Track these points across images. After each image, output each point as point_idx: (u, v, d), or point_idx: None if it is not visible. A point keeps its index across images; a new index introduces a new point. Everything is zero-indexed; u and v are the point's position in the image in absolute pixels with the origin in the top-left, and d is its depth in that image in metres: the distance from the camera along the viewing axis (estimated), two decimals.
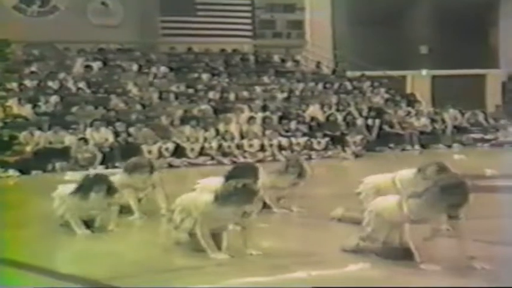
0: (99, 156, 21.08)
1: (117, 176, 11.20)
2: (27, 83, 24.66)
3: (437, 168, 8.91)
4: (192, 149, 22.49)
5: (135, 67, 27.45)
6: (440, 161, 9.33)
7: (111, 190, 9.55)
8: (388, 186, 9.13)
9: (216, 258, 7.47)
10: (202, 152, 22.59)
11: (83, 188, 9.48)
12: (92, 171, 19.19)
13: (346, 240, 7.69)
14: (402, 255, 7.01)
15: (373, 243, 7.30)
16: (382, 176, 9.67)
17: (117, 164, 20.48)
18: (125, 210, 10.64)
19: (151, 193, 11.12)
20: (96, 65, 26.89)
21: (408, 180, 9.05)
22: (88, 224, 9.58)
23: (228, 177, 9.09)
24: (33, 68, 25.72)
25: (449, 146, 25.65)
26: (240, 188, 7.60)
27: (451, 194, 6.76)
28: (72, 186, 9.85)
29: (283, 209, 11.03)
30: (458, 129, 27.47)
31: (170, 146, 22.25)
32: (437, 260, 6.93)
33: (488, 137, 26.96)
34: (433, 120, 27.41)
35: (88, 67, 26.47)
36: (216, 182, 9.53)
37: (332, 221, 10.02)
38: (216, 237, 7.75)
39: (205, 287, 6.50)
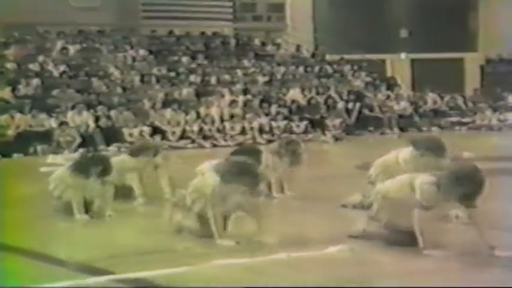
0: (78, 140, 21.12)
1: (120, 157, 11.24)
2: (8, 65, 24.58)
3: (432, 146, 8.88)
4: (173, 132, 22.56)
5: (115, 49, 27.40)
6: (435, 138, 9.11)
7: (106, 170, 9.46)
8: (394, 166, 8.91)
9: (221, 245, 7.43)
10: (183, 135, 22.69)
11: (82, 167, 9.44)
12: (74, 155, 19.35)
13: (353, 226, 7.69)
14: (408, 241, 7.00)
15: (378, 224, 7.31)
16: (389, 156, 9.33)
17: (101, 147, 20.62)
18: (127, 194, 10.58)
19: (153, 173, 10.93)
20: (76, 48, 26.84)
21: (408, 159, 8.89)
22: (87, 207, 9.48)
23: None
24: (13, 50, 25.64)
25: (428, 130, 25.81)
26: (243, 166, 7.58)
27: (466, 183, 6.75)
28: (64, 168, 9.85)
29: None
30: (437, 112, 27.65)
31: (146, 129, 22.38)
32: (449, 246, 7.02)
33: (465, 120, 27.19)
34: (412, 104, 27.60)
35: (65, 49, 26.40)
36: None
37: (317, 204, 10.10)
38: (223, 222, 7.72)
39: (175, 270, 6.55)
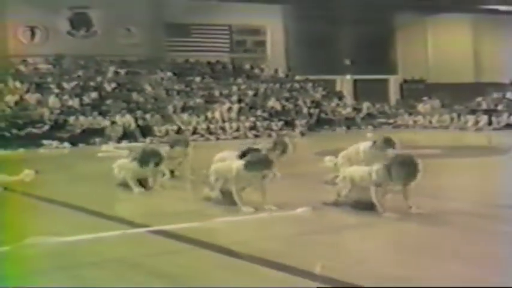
0: (121, 134, 21.14)
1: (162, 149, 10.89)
2: (76, 83, 24.50)
3: (384, 141, 8.48)
4: (189, 129, 22.53)
5: (149, 72, 27.29)
6: (387, 136, 8.83)
7: (161, 160, 9.24)
8: (354, 156, 8.55)
9: (245, 211, 7.11)
10: (195, 132, 22.66)
11: (142, 158, 9.11)
12: (118, 145, 19.31)
13: (327, 197, 7.48)
14: (369, 207, 6.88)
15: (348, 199, 7.16)
16: (350, 149, 8.86)
17: (140, 140, 20.57)
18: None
19: (185, 160, 10.42)
20: (122, 71, 26.73)
21: (367, 151, 8.50)
22: (141, 182, 9.14)
23: (244, 153, 8.29)
24: (80, 73, 25.56)
25: (365, 128, 25.83)
26: (262, 158, 7.48)
27: (404, 167, 6.66)
28: (124, 158, 9.60)
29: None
30: (371, 115, 27.73)
31: (175, 127, 22.38)
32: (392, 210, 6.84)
33: (390, 121, 27.28)
34: (354, 110, 27.65)
35: (114, 72, 26.34)
36: (230, 155, 9.07)
37: (291, 179, 9.92)
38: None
39: (190, 225, 6.51)
